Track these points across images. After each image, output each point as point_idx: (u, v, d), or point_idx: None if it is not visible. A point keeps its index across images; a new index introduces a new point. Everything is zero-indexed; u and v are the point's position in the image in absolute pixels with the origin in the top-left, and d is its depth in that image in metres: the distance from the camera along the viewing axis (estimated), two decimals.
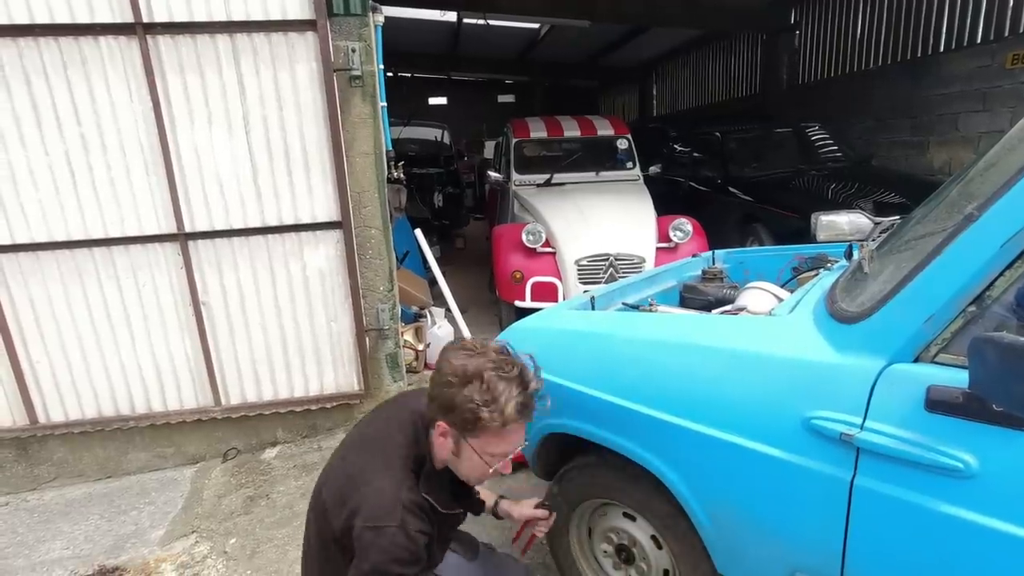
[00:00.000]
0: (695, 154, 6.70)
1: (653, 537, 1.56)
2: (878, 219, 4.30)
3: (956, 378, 0.95)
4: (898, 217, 4.36)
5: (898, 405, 1.01)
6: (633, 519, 1.60)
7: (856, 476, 1.04)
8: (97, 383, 2.98)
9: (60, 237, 2.79)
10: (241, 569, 2.26)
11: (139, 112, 2.72)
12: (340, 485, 1.25)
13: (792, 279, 2.30)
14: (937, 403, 0.96)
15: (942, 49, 6.35)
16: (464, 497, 1.46)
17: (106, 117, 2.71)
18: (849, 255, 1.80)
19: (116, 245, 2.84)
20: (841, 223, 4.38)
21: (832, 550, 1.10)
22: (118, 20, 2.62)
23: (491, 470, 1.23)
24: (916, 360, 1.03)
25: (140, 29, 2.63)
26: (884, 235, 1.69)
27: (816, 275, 1.99)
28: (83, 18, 2.61)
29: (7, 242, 2.75)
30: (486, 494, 1.64)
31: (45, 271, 2.82)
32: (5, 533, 2.68)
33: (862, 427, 1.03)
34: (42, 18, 2.58)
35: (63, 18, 2.59)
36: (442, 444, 1.24)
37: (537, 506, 1.54)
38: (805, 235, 4.44)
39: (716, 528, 1.31)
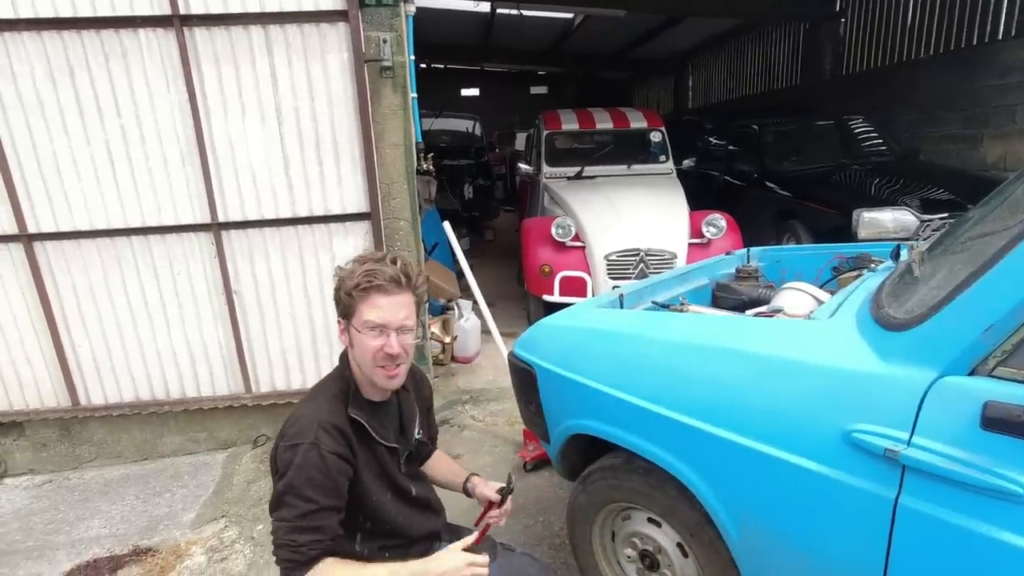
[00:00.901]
0: (731, 147, 6.52)
1: (679, 545, 1.51)
2: (925, 217, 4.11)
3: (1017, 394, 0.88)
4: (947, 214, 4.17)
5: (950, 421, 0.94)
6: (658, 525, 1.55)
7: (901, 495, 0.98)
8: (134, 368, 3.07)
9: (101, 225, 2.87)
10: (267, 556, 2.30)
11: (175, 103, 2.77)
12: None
13: (832, 280, 2.21)
14: (994, 420, 0.89)
15: (1000, 37, 6.00)
16: (410, 436, 1.44)
17: (144, 108, 2.77)
18: (896, 256, 1.71)
19: (153, 234, 2.90)
20: (885, 220, 4.19)
21: (872, 572, 1.03)
22: (156, 12, 2.67)
23: (377, 346, 1.23)
24: (972, 373, 0.95)
25: (177, 21, 2.67)
26: (936, 235, 1.59)
27: (858, 276, 1.90)
28: (124, 11, 2.66)
29: (52, 229, 2.85)
30: (459, 470, 1.60)
31: (87, 258, 2.90)
32: (48, 510, 2.79)
33: (909, 443, 0.97)
34: (85, 11, 2.64)
35: (105, 11, 2.65)
36: (345, 345, 1.32)
37: (498, 491, 1.45)
38: (845, 232, 4.26)
39: (745, 540, 1.25)
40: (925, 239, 1.63)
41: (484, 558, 1.18)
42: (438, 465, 1.62)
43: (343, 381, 1.32)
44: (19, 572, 2.35)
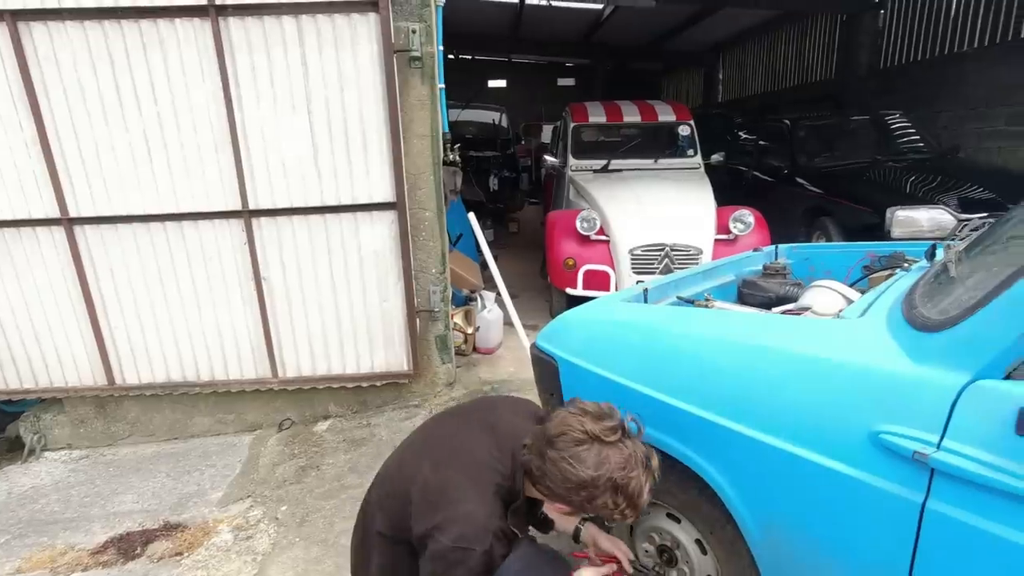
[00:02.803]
0: (761, 142, 6.40)
1: (698, 541, 1.50)
2: (964, 216, 3.98)
3: None
4: (986, 214, 4.03)
5: (983, 425, 0.92)
6: (678, 521, 1.55)
7: (928, 499, 0.96)
8: (167, 350, 3.16)
9: (137, 211, 2.95)
10: (291, 536, 2.36)
11: (210, 92, 2.83)
12: (427, 493, 1.29)
13: (863, 278, 2.16)
14: None
15: None
16: (534, 516, 1.48)
17: (180, 96, 2.83)
18: (931, 255, 1.66)
19: (186, 220, 2.98)
20: (920, 219, 4.07)
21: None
22: (193, 2, 2.72)
23: None
24: (1008, 377, 0.93)
25: (213, 11, 2.72)
26: (974, 234, 1.54)
27: (890, 275, 1.85)
28: (162, 1, 2.72)
29: (91, 214, 2.94)
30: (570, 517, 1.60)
31: (123, 242, 3.00)
32: (85, 483, 2.91)
33: (939, 446, 0.95)
34: (126, 1, 2.70)
35: (144, 1, 2.71)
36: (559, 515, 1.33)
37: (636, 565, 1.45)
38: (878, 231, 4.15)
39: (766, 539, 1.24)
40: (962, 239, 1.58)
41: None
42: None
43: (513, 489, 1.31)
44: (57, 541, 2.46)
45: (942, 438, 0.95)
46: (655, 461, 1.23)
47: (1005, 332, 0.93)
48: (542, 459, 1.23)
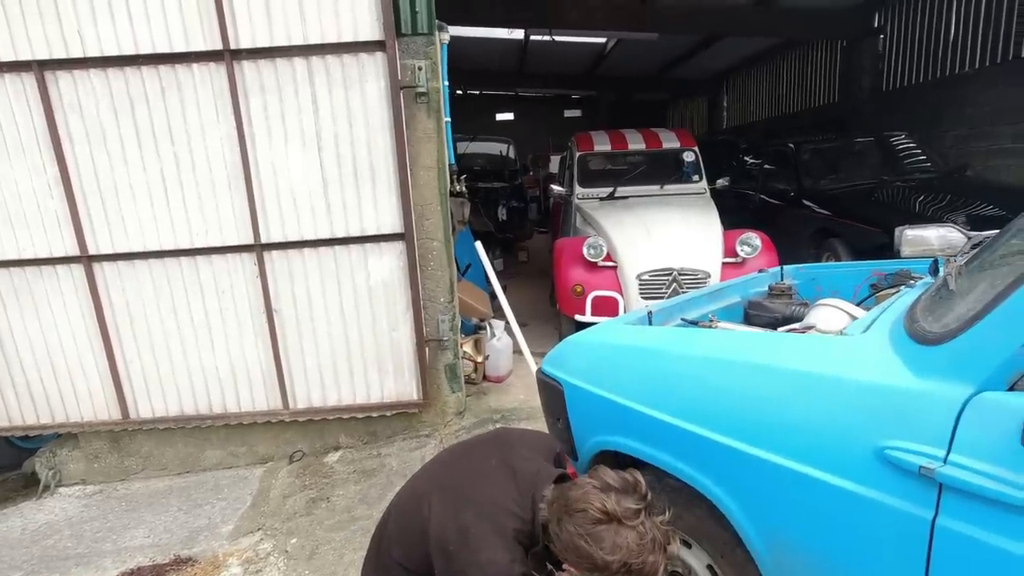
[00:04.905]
0: (767, 166, 6.44)
1: (709, 567, 1.47)
2: (973, 233, 3.94)
3: None
4: (996, 232, 3.99)
5: (989, 438, 0.90)
6: (688, 546, 1.52)
7: (938, 515, 0.94)
8: (180, 382, 3.20)
9: (153, 247, 3.04)
10: (300, 569, 2.34)
11: (224, 131, 2.93)
12: (448, 537, 1.30)
13: (870, 297, 2.14)
14: None
15: None
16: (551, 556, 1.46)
17: (196, 137, 2.94)
18: (934, 271, 1.66)
19: (200, 255, 3.05)
20: (929, 238, 4.04)
21: None
22: (209, 48, 2.84)
23: None
24: (1011, 388, 0.92)
25: (228, 55, 2.84)
26: (975, 249, 1.54)
27: (897, 293, 1.84)
28: (180, 47, 2.85)
29: (109, 251, 3.03)
30: None
31: (139, 278, 3.07)
32: (97, 519, 2.91)
33: (945, 460, 0.93)
34: (146, 49, 2.84)
35: (163, 48, 2.84)
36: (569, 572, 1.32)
37: None
38: (888, 251, 4.13)
39: (775, 560, 1.22)
40: (964, 254, 1.58)
41: None
42: None
43: (533, 534, 1.32)
44: None
45: (948, 452, 0.94)
46: (674, 545, 1.21)
47: (1005, 343, 0.92)
48: (559, 526, 1.23)
